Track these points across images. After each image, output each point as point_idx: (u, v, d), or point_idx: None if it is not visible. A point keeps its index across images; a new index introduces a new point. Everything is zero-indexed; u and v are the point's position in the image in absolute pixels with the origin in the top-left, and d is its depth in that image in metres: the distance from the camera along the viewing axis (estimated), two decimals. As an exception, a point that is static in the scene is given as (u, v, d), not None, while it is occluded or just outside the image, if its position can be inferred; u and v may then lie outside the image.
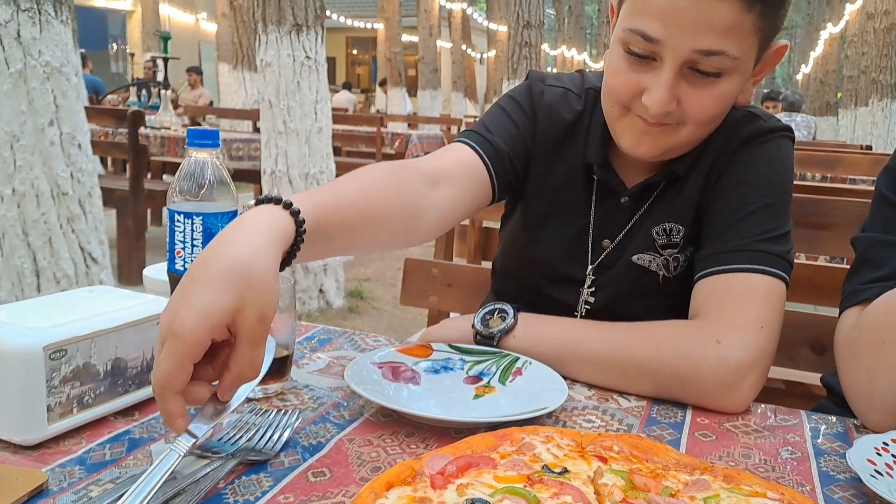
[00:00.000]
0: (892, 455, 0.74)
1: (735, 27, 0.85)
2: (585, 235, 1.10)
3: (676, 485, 0.64)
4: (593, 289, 1.10)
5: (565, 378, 0.88)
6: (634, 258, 1.06)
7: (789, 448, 0.79)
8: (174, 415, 0.61)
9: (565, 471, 0.65)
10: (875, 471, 0.70)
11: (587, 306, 1.10)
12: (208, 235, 0.81)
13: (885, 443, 0.76)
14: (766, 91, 8.11)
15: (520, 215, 1.16)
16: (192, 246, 0.81)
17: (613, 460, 0.68)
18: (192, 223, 0.80)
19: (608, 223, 1.08)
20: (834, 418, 0.88)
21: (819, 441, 0.81)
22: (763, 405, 0.90)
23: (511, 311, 0.98)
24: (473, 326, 0.99)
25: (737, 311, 0.90)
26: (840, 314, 0.97)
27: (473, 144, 1.04)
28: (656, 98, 0.89)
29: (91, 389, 0.70)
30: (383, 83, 14.86)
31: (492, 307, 1.00)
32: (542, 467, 0.65)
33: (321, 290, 4.19)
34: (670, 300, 1.09)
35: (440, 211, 0.97)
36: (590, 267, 1.10)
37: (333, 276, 4.23)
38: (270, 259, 0.67)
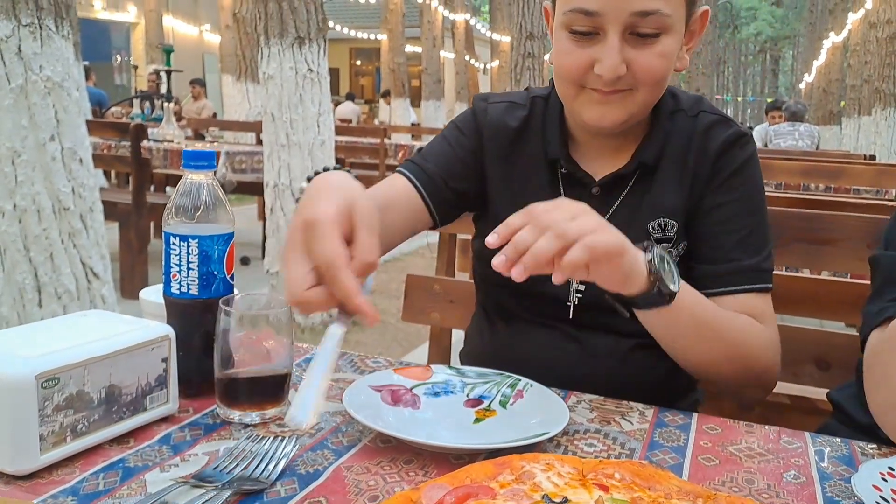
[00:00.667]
0: (899, 481, 0.73)
1: None
2: None
3: (679, 514, 0.62)
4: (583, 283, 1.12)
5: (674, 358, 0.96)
6: None
7: (793, 472, 0.77)
8: (352, 291, 0.70)
9: (566, 500, 0.63)
10: (881, 497, 0.69)
11: (578, 295, 1.12)
12: (204, 258, 0.80)
13: (890, 468, 0.74)
14: (769, 101, 8.09)
15: (490, 224, 1.15)
16: (188, 269, 0.80)
17: (615, 489, 0.66)
18: (188, 246, 0.80)
19: None
20: (839, 440, 0.86)
21: (824, 465, 0.80)
22: (767, 427, 0.89)
23: (675, 268, 0.93)
24: (658, 273, 0.90)
25: (767, 325, 1.05)
26: (867, 335, 0.96)
27: (408, 174, 1.12)
28: (607, 65, 0.96)
29: (85, 417, 0.69)
30: (386, 94, 14.91)
31: (661, 253, 0.93)
32: (543, 497, 0.64)
33: (324, 303, 4.18)
34: None
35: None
36: None
37: (336, 289, 4.23)
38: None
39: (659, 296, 0.90)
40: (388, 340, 4.02)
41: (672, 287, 0.90)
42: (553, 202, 0.84)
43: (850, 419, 1.09)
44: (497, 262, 0.79)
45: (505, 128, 1.15)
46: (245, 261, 5.46)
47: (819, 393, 1.44)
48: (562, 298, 1.13)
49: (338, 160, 4.83)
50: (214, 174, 0.83)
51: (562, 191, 1.12)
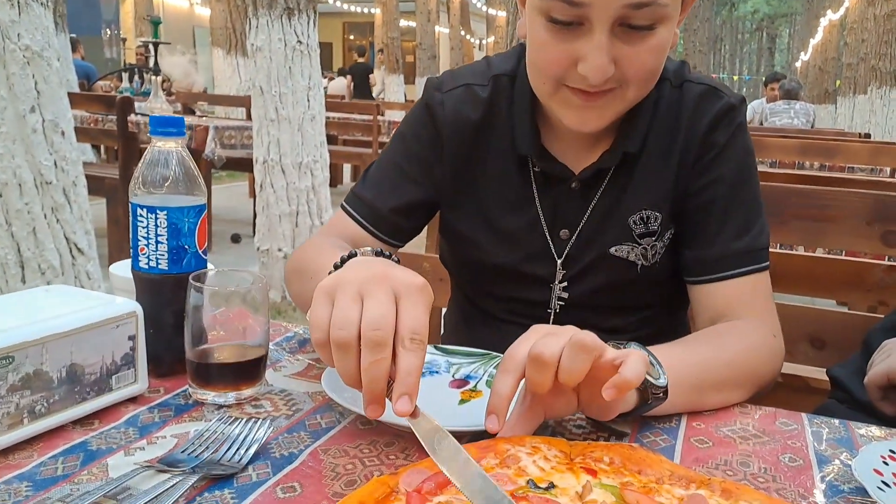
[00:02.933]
0: (900, 464, 0.70)
1: None
2: (537, 230, 1.04)
3: (671, 500, 0.59)
4: (565, 283, 1.05)
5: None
6: (613, 250, 1.02)
7: (790, 455, 0.74)
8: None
9: (552, 486, 0.60)
10: (882, 482, 0.66)
11: (561, 302, 1.06)
12: (174, 231, 0.76)
13: (891, 451, 0.71)
14: (769, 74, 7.95)
15: (457, 230, 1.10)
16: (157, 243, 0.76)
17: (604, 473, 0.63)
18: (157, 218, 0.75)
19: (561, 213, 1.03)
20: (837, 422, 0.84)
21: (822, 448, 0.77)
22: (763, 408, 0.86)
23: (652, 357, 0.78)
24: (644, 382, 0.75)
25: (765, 306, 0.99)
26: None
27: (356, 216, 1.07)
28: (594, 65, 0.84)
29: (43, 398, 0.65)
30: (344, 72, 14.50)
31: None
32: (528, 482, 0.61)
33: (315, 281, 4.15)
34: (649, 287, 1.07)
35: None
36: (559, 262, 1.05)
37: (327, 267, 4.19)
38: None
39: (655, 400, 0.76)
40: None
41: (661, 382, 0.75)
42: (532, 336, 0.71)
43: (849, 396, 1.07)
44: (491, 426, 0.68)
45: (465, 121, 1.03)
46: (236, 238, 5.40)
47: (812, 371, 1.42)
48: (544, 303, 1.07)
49: (329, 136, 4.76)
50: (184, 142, 0.79)
51: (535, 189, 1.03)
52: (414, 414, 0.62)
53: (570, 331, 0.68)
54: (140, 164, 0.77)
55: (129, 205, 0.77)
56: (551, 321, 1.07)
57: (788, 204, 1.36)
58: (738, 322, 0.95)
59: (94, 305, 0.70)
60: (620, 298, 1.07)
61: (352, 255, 0.78)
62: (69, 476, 0.61)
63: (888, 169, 3.99)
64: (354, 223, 1.06)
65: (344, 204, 1.09)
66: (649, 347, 0.80)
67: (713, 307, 0.99)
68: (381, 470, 0.66)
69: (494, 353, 0.91)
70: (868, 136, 6.60)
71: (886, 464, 0.69)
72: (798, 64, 26.37)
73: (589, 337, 0.66)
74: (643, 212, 1.01)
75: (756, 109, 7.68)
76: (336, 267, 0.76)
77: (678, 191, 1.01)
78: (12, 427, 0.63)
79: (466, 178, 1.06)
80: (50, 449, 0.65)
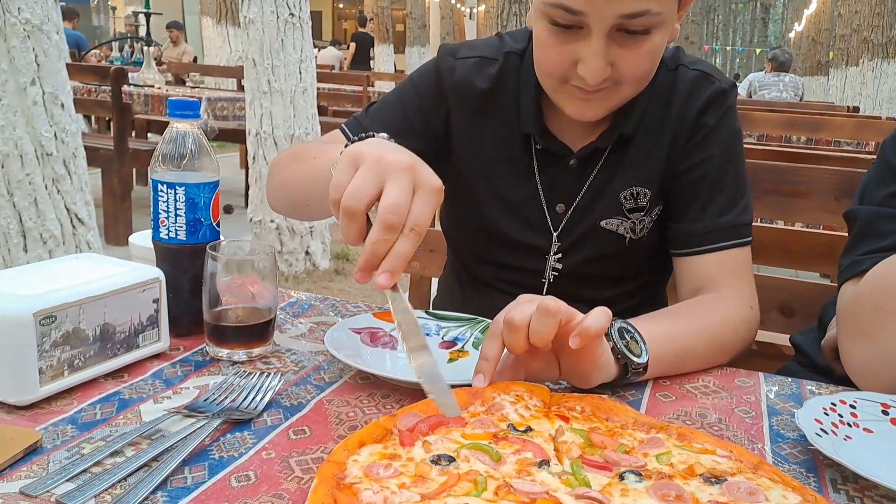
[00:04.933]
0: (839, 415, 0.79)
1: None
2: (535, 202, 1.11)
3: (632, 442, 0.68)
4: (560, 255, 1.13)
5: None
6: (603, 223, 1.09)
7: (744, 407, 0.83)
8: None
9: (529, 429, 0.69)
10: (821, 429, 0.74)
11: (554, 273, 1.13)
12: (191, 205, 0.84)
13: (833, 403, 0.80)
14: (772, 50, 7.93)
15: (458, 192, 1.15)
16: (176, 215, 0.84)
17: (575, 420, 0.72)
18: (175, 193, 0.83)
19: (559, 188, 1.10)
20: (790, 380, 0.92)
21: (773, 401, 0.86)
22: (725, 368, 0.95)
23: (635, 331, 0.86)
24: (624, 357, 0.83)
25: (744, 280, 1.05)
26: (839, 286, 0.98)
27: (351, 136, 1.07)
28: (591, 69, 0.91)
29: (81, 353, 0.73)
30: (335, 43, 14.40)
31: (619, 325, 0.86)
32: (508, 426, 0.69)
33: (307, 252, 4.22)
34: (636, 260, 1.15)
35: None
36: (555, 235, 1.12)
37: (320, 239, 4.26)
38: None
39: (634, 375, 0.84)
40: (370, 290, 4.07)
41: (642, 360, 0.83)
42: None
43: (809, 361, 1.15)
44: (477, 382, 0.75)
45: (473, 89, 1.09)
46: (228, 209, 5.45)
47: (783, 338, 1.50)
48: (539, 272, 1.14)
49: (320, 108, 4.79)
50: (199, 123, 0.86)
51: (535, 165, 1.10)
52: (394, 289, 0.70)
53: (546, 299, 0.75)
54: (160, 144, 0.84)
55: (150, 181, 0.84)
56: (544, 291, 1.13)
57: (761, 179, 1.43)
58: (717, 294, 1.03)
59: (122, 272, 0.78)
60: (609, 270, 1.14)
61: (369, 136, 0.81)
62: (107, 420, 0.70)
63: (873, 143, 4.06)
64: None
65: (343, 126, 1.11)
66: (633, 322, 0.88)
67: (696, 278, 1.06)
68: (378, 416, 0.74)
69: (480, 318, 0.99)
70: (857, 109, 6.65)
71: (827, 414, 0.78)
72: (791, 35, 26.24)
73: (554, 302, 0.74)
74: (633, 188, 1.07)
75: (746, 84, 7.70)
76: (353, 141, 0.79)
77: (668, 169, 1.07)
78: (55, 378, 0.71)
79: (468, 144, 1.12)
80: (88, 398, 0.74)
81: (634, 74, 0.95)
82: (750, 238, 1.07)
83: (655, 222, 1.10)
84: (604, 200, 1.09)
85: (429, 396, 0.67)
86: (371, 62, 12.98)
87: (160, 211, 0.84)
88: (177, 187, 0.83)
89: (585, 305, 1.02)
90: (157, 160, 0.83)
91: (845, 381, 0.96)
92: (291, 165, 1.03)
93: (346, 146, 0.78)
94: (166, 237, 0.85)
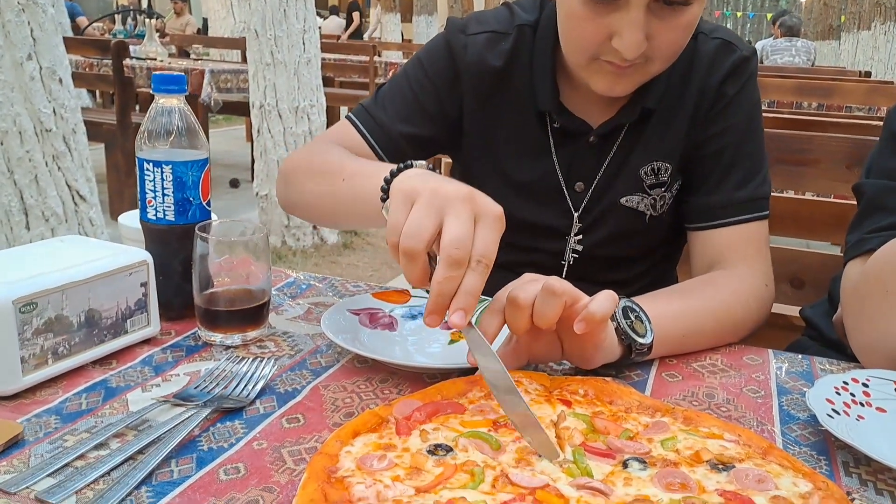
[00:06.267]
0: (851, 394, 0.76)
1: None
2: (553, 181, 1.07)
3: (636, 427, 0.66)
4: (580, 236, 1.09)
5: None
6: (623, 200, 1.06)
7: (753, 387, 0.81)
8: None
9: (530, 415, 0.66)
10: (833, 410, 0.72)
11: (574, 255, 1.10)
12: (179, 184, 0.81)
13: (845, 382, 0.77)
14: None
15: (472, 176, 1.11)
16: (164, 195, 0.81)
17: (578, 404, 0.70)
18: (162, 172, 0.80)
19: (577, 166, 1.06)
20: (800, 357, 0.90)
21: (783, 379, 0.83)
22: (734, 345, 0.92)
23: (640, 310, 0.83)
24: (628, 338, 0.81)
25: (760, 256, 1.02)
26: (845, 264, 0.96)
27: (360, 126, 1.04)
28: (629, 42, 0.87)
29: (65, 340, 0.71)
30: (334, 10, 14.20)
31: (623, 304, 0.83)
32: (508, 412, 0.67)
33: (315, 227, 4.20)
34: (654, 238, 1.11)
35: None
36: (576, 215, 1.08)
37: (327, 211, 4.23)
38: None
39: (638, 355, 0.81)
40: (379, 263, 4.06)
41: (646, 340, 0.81)
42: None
43: (820, 335, 1.13)
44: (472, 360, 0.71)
45: (486, 68, 1.04)
46: (234, 183, 5.43)
47: (793, 310, 1.48)
48: (559, 254, 1.10)
49: (325, 79, 4.74)
50: (186, 98, 0.82)
51: (552, 143, 1.05)
52: (468, 326, 0.67)
53: (551, 279, 0.72)
54: (145, 121, 0.81)
55: (136, 159, 0.81)
56: (564, 274, 1.10)
57: (771, 149, 1.37)
58: (730, 271, 1.00)
59: (108, 255, 0.76)
60: (627, 249, 1.11)
61: (408, 166, 0.77)
62: (93, 410, 0.68)
63: (886, 108, 3.98)
64: (360, 137, 1.04)
65: (351, 116, 1.07)
66: (640, 300, 0.85)
67: (711, 253, 1.03)
68: (376, 403, 0.72)
69: (484, 297, 0.96)
70: (868, 74, 6.53)
71: (839, 393, 0.76)
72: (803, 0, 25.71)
73: (559, 283, 0.71)
74: (654, 163, 1.04)
75: (762, 49, 7.57)
76: (393, 173, 0.76)
77: (689, 142, 1.04)
78: (38, 367, 0.69)
79: (482, 126, 1.08)
80: (73, 387, 0.72)
81: (669, 49, 0.91)
82: (767, 212, 1.04)
83: (675, 198, 1.07)
84: (624, 177, 1.05)
85: (525, 441, 0.62)
86: (362, 30, 12.79)
87: (147, 191, 0.81)
88: (163, 166, 0.80)
89: (600, 287, 0.98)
90: (143, 138, 0.80)
91: (857, 358, 0.94)
92: (313, 181, 0.98)
93: (387, 178, 0.75)
94: (154, 218, 0.82)
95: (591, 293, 0.97)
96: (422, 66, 1.07)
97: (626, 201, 1.06)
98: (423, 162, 0.78)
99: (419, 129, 1.06)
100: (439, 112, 1.06)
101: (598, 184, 1.06)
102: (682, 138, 1.03)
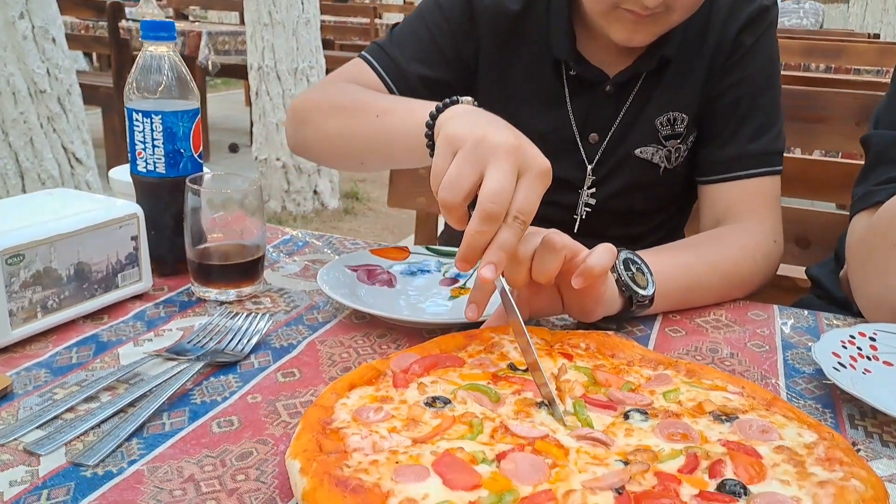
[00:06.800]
0: (858, 348, 0.75)
1: None
2: (567, 132, 1.05)
3: (638, 380, 0.64)
4: (593, 189, 1.07)
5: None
6: (637, 151, 1.04)
7: (757, 341, 0.79)
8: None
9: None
10: (839, 363, 0.71)
11: (587, 209, 1.08)
12: (169, 135, 0.79)
13: (851, 336, 0.76)
14: None
15: None
16: (154, 147, 0.78)
17: (579, 357, 0.68)
18: (152, 122, 0.78)
19: (592, 116, 1.04)
20: (806, 312, 0.88)
21: (788, 334, 0.82)
22: (739, 301, 0.90)
23: (642, 262, 0.82)
24: (629, 290, 0.79)
25: (770, 211, 1.00)
26: (851, 217, 0.95)
27: (375, 65, 1.01)
28: None
29: (55, 294, 0.69)
30: None
31: (624, 256, 0.82)
32: (508, 365, 0.66)
33: (315, 192, 4.17)
34: (667, 192, 1.10)
35: None
36: (589, 167, 1.06)
37: (328, 177, 4.20)
38: None
39: (640, 307, 0.80)
40: (380, 229, 4.04)
41: (648, 291, 0.79)
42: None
43: (827, 293, 1.11)
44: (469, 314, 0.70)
45: (503, 11, 1.01)
46: (234, 148, 5.39)
47: (799, 271, 1.47)
48: (571, 207, 1.08)
49: (326, 42, 4.66)
50: (176, 46, 0.80)
51: (567, 93, 1.03)
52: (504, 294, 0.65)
53: (550, 232, 0.71)
54: (133, 69, 0.78)
55: (125, 110, 0.79)
56: (576, 228, 1.08)
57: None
58: (739, 225, 0.98)
59: (97, 207, 0.74)
60: (640, 203, 1.09)
61: (454, 102, 0.74)
62: (83, 364, 0.66)
63: (894, 70, 3.91)
64: (375, 76, 1.01)
65: (365, 54, 1.04)
66: (643, 253, 0.83)
67: (720, 208, 1.01)
68: (374, 359, 0.71)
69: (484, 253, 0.95)
70: (877, 36, 6.43)
71: (845, 347, 0.74)
72: (811, -41, 25.24)
73: (559, 237, 0.69)
74: (671, 113, 1.02)
75: None
76: (439, 109, 0.73)
77: (705, 93, 1.02)
78: (28, 320, 0.68)
79: (496, 72, 1.05)
80: (63, 341, 0.70)
81: (690, 1, 0.89)
82: (780, 168, 1.02)
83: (690, 151, 1.06)
84: (639, 128, 1.03)
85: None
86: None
87: (137, 142, 0.78)
88: (153, 116, 0.77)
89: (610, 242, 0.95)
90: (131, 87, 0.78)
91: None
92: (337, 119, 0.94)
93: (433, 114, 0.72)
94: (144, 170, 0.80)
95: None
96: (439, 8, 1.04)
97: (641, 153, 1.04)
98: (470, 98, 0.75)
99: (434, 72, 1.03)
100: (455, 56, 1.04)
101: (612, 135, 1.04)
102: (698, 89, 1.02)
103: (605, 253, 0.70)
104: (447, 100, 0.74)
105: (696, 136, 1.05)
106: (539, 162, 0.65)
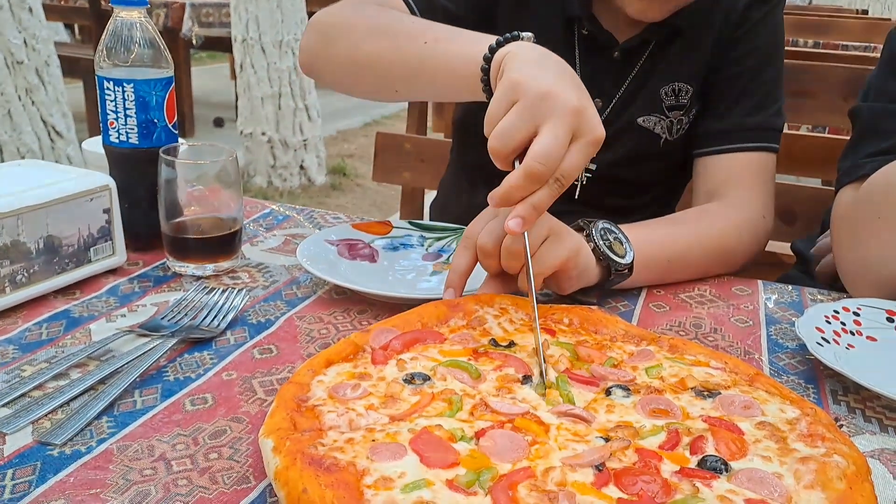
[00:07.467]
0: (842, 323, 0.74)
1: None
2: None
3: (621, 355, 0.64)
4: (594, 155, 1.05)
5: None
6: (640, 120, 1.03)
7: (741, 317, 0.79)
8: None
9: (512, 344, 0.64)
10: (822, 338, 0.70)
11: (588, 175, 1.07)
12: (142, 105, 0.76)
13: (835, 311, 0.76)
14: None
15: None
16: (126, 116, 0.76)
17: (562, 333, 0.67)
18: (124, 91, 0.75)
19: (598, 81, 1.02)
20: (790, 287, 0.88)
21: (772, 309, 0.81)
22: (724, 276, 0.90)
23: (619, 232, 0.82)
24: (606, 258, 0.78)
25: (761, 186, 0.99)
26: (837, 190, 0.94)
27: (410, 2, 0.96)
28: None
29: (23, 268, 0.67)
30: None
31: (602, 226, 0.81)
32: (490, 341, 0.64)
33: (302, 167, 4.12)
34: (665, 165, 1.09)
35: None
36: None
37: (314, 153, 4.15)
38: None
39: (618, 276, 0.79)
40: (368, 205, 4.01)
41: (626, 260, 0.78)
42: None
43: (811, 268, 1.11)
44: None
45: None
46: (219, 122, 5.31)
47: (784, 246, 1.46)
48: None
49: (310, 14, 4.59)
50: (167, 32, 0.77)
51: (577, 54, 1.01)
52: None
53: (509, 224, 0.66)
54: (103, 36, 0.76)
55: (96, 78, 0.76)
56: (577, 194, 1.07)
57: (767, 79, 1.35)
58: (726, 201, 0.97)
59: (67, 179, 0.71)
60: (639, 173, 1.08)
61: (515, 37, 0.72)
62: (54, 340, 0.65)
63: (882, 46, 3.91)
64: (406, 7, 0.95)
65: None
66: (624, 227, 0.82)
67: (712, 180, 1.00)
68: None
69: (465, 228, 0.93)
70: (865, 12, 6.42)
71: (829, 322, 0.74)
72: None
73: (518, 243, 0.68)
74: (676, 84, 1.02)
75: None
76: (500, 43, 0.71)
77: (711, 65, 1.01)
78: (-5, 295, 0.66)
79: (512, 23, 1.00)
80: (34, 316, 0.68)
81: None
82: (777, 146, 1.01)
83: (691, 125, 1.05)
84: (643, 96, 1.03)
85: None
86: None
87: (108, 112, 0.76)
88: (125, 84, 0.75)
89: (605, 213, 0.92)
90: (102, 54, 0.75)
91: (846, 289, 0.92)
92: (376, 41, 0.87)
93: (492, 48, 0.70)
94: (117, 141, 0.77)
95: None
96: None
97: (644, 121, 1.03)
98: (530, 34, 0.73)
99: (457, 7, 0.99)
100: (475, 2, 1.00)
101: (617, 101, 1.04)
102: (705, 62, 1.01)
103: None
104: (508, 34, 0.72)
105: (697, 110, 1.04)
106: (595, 129, 0.65)
